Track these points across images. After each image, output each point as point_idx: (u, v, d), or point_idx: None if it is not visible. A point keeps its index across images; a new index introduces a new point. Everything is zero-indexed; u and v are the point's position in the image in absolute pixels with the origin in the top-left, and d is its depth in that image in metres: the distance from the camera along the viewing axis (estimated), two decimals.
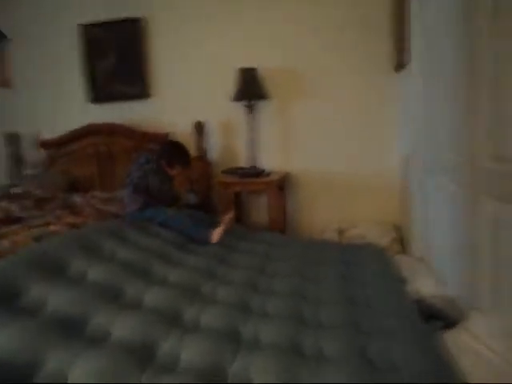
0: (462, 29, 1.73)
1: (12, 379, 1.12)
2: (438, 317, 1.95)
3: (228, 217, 2.51)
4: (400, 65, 2.76)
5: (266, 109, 3.30)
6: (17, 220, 2.31)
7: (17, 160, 3.70)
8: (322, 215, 3.31)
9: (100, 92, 3.63)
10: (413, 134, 2.58)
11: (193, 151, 3.34)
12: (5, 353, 1.17)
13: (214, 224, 2.46)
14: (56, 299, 1.44)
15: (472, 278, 1.70)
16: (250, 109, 3.12)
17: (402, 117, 2.93)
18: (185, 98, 3.45)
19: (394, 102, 3.07)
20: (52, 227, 2.11)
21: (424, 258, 2.45)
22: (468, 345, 1.46)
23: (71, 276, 1.64)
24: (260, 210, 3.40)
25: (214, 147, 3.47)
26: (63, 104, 3.72)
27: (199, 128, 3.31)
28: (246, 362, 1.26)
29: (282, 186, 3.23)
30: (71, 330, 1.33)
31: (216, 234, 2.31)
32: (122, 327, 1.37)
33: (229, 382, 1.20)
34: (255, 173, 3.07)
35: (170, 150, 2.59)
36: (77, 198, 2.88)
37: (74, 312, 1.40)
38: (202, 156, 3.35)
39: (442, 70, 2.04)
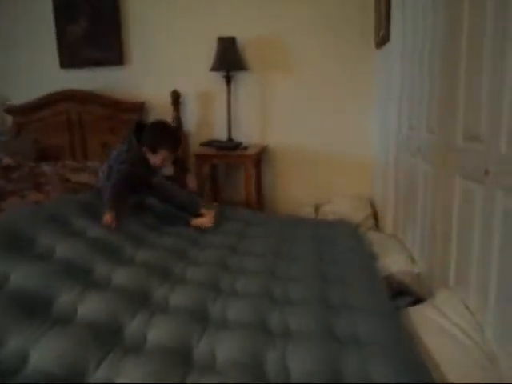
0: (442, 7, 1.70)
1: None
2: (407, 293, 2.00)
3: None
4: (381, 41, 2.72)
5: (244, 80, 3.23)
6: None
7: None
8: (298, 190, 3.30)
9: (72, 57, 3.46)
10: (390, 112, 2.57)
11: (169, 121, 3.26)
12: None
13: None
14: (20, 276, 1.39)
15: (440, 254, 1.73)
16: (229, 80, 3.04)
17: (381, 93, 2.91)
18: (162, 66, 3.34)
19: (374, 78, 3.04)
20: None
21: (396, 235, 2.49)
22: (433, 321, 1.49)
23: (37, 251, 1.58)
24: (236, 184, 3.37)
25: (191, 118, 3.38)
26: (35, 69, 3.54)
27: (176, 98, 3.21)
28: (212, 341, 1.25)
29: (259, 160, 3.20)
30: (35, 308, 1.28)
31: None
32: (89, 307, 1.33)
33: (195, 359, 1.19)
34: (232, 146, 3.02)
35: (153, 133, 2.15)
36: (46, 167, 2.77)
37: (38, 289, 1.35)
38: (179, 127, 3.27)
39: (421, 48, 2.01)
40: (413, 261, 2.09)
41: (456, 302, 1.51)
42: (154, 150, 2.12)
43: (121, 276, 1.56)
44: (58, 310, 1.31)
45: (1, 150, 3.02)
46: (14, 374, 1.05)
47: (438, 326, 1.46)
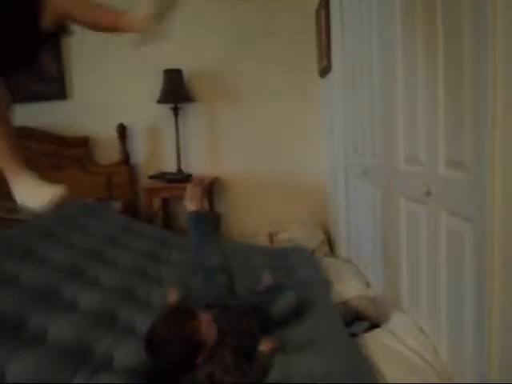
0: (379, 39, 1.77)
1: None
2: (363, 318, 1.99)
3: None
4: (323, 71, 2.81)
5: (192, 112, 3.21)
6: None
7: None
8: (251, 219, 3.27)
9: (11, 91, 3.31)
10: (336, 138, 2.62)
11: (116, 155, 3.17)
12: None
13: None
14: None
15: (393, 277, 1.73)
16: (176, 111, 3.02)
17: (327, 120, 2.98)
18: (107, 99, 3.25)
19: (320, 106, 3.12)
20: None
21: (350, 259, 2.50)
22: (388, 346, 1.47)
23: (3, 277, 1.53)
24: None
25: (139, 151, 3.31)
26: None
27: (122, 131, 3.14)
28: None
29: (211, 190, 3.15)
30: (9, 328, 1.29)
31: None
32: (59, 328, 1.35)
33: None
34: (182, 178, 2.96)
35: None
36: None
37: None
38: (126, 160, 3.18)
39: (361, 76, 2.08)
40: (368, 285, 2.09)
41: (410, 325, 1.50)
42: None
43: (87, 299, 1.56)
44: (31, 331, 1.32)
45: None
46: None
47: (393, 350, 1.44)
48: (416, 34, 1.38)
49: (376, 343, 1.51)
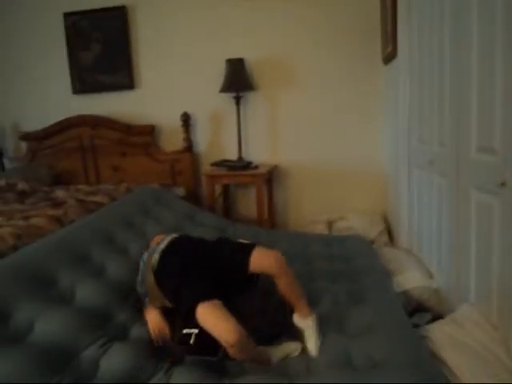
0: (452, 24, 1.71)
1: None
2: (425, 309, 1.96)
3: None
4: (388, 58, 2.74)
5: (253, 100, 3.26)
6: None
7: None
8: (310, 207, 3.29)
9: (84, 83, 3.54)
10: (400, 126, 2.57)
11: (180, 143, 3.31)
12: None
13: None
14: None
15: (459, 269, 1.70)
16: (238, 100, 3.08)
17: (390, 108, 2.92)
18: (171, 89, 3.39)
19: (382, 94, 3.06)
20: (34, 220, 2.06)
21: (411, 250, 2.45)
22: (454, 337, 1.45)
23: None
24: (248, 202, 3.37)
25: (202, 139, 3.42)
26: (48, 96, 3.62)
27: (186, 120, 3.26)
28: None
29: (270, 178, 3.20)
30: None
31: None
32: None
33: None
34: (243, 165, 3.03)
35: None
36: (59, 192, 2.81)
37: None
38: (189, 148, 3.31)
39: (429, 62, 2.02)
40: (430, 276, 2.05)
41: (478, 316, 1.47)
42: None
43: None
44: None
45: (16, 176, 3.08)
46: None
47: (460, 342, 1.42)
48: (495, 18, 1.32)
49: (440, 334, 1.49)
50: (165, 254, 1.53)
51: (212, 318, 1.26)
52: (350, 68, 3.11)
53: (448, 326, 1.51)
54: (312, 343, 1.42)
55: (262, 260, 1.46)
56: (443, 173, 1.85)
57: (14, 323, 1.28)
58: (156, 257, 1.52)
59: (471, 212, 1.55)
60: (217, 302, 1.30)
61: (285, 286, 1.46)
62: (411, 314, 1.89)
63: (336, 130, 3.20)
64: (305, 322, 1.46)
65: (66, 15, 3.44)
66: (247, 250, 1.49)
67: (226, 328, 1.23)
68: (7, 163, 3.66)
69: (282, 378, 1.29)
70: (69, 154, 3.48)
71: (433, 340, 1.49)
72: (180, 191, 3.11)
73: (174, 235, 1.66)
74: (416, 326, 1.68)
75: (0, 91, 3.69)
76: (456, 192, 1.69)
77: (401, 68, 2.48)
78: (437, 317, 1.81)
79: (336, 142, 3.21)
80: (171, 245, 1.58)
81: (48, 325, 1.31)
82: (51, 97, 3.60)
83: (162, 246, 1.57)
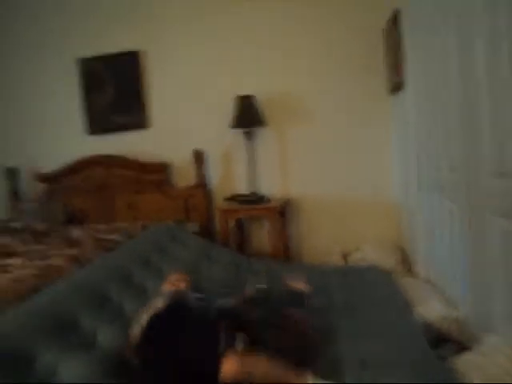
0: (456, 50, 1.76)
1: None
2: (448, 340, 1.91)
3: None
4: (396, 87, 2.80)
5: (264, 135, 3.33)
6: (17, 254, 2.28)
7: (15, 194, 3.69)
8: (324, 239, 3.28)
9: (98, 124, 3.64)
10: (409, 155, 2.59)
11: (192, 179, 3.36)
12: None
13: None
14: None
15: (480, 297, 1.67)
16: (249, 136, 3.14)
17: (398, 137, 2.95)
18: (183, 126, 3.48)
19: (389, 123, 3.11)
20: (52, 260, 2.08)
21: (430, 279, 2.42)
22: (483, 367, 1.41)
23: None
24: (262, 236, 3.38)
25: (214, 174, 3.47)
26: (61, 136, 3.73)
27: (198, 156, 3.33)
28: None
29: (283, 211, 3.22)
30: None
31: None
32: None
33: None
34: (256, 199, 3.06)
35: None
36: (75, 231, 2.85)
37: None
38: (202, 184, 3.35)
39: (437, 88, 2.07)
40: (450, 305, 2.02)
41: (505, 347, 1.43)
42: None
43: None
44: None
45: (32, 216, 3.13)
46: None
47: (489, 373, 1.39)
48: (501, 46, 1.36)
49: (468, 366, 1.45)
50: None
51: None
52: (356, 100, 3.18)
53: (477, 358, 1.47)
54: None
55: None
56: (455, 198, 1.86)
57: (38, 368, 1.27)
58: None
59: (486, 237, 1.54)
60: None
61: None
62: (434, 345, 1.85)
63: (345, 162, 3.23)
64: None
65: (81, 60, 3.59)
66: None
67: None
68: (23, 204, 3.72)
69: None
70: (84, 193, 3.55)
71: (460, 372, 1.45)
72: (194, 226, 3.13)
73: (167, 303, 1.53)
74: (442, 358, 1.64)
75: (16, 133, 3.81)
76: (469, 217, 1.69)
77: (409, 97, 2.53)
78: (460, 348, 1.76)
79: (346, 174, 3.24)
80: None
81: (71, 370, 1.30)
82: (66, 138, 3.71)
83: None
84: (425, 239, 2.48)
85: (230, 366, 1.23)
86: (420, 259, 2.58)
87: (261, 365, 1.23)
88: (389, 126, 3.12)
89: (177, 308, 1.52)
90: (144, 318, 1.49)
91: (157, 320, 1.46)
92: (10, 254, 2.32)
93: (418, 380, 1.35)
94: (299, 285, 2.00)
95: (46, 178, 3.64)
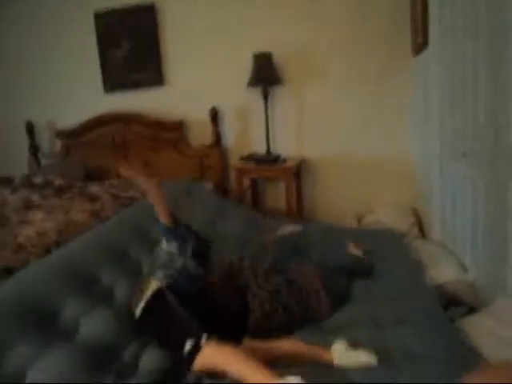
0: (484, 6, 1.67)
1: None
2: (459, 303, 1.94)
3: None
4: (418, 48, 2.69)
5: (281, 94, 3.26)
6: (38, 208, 2.35)
7: (35, 149, 3.74)
8: (339, 201, 3.28)
9: (114, 80, 3.61)
10: (431, 118, 2.52)
11: (208, 138, 3.35)
12: None
13: None
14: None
15: (496, 262, 1.67)
16: (265, 94, 3.09)
17: (420, 100, 2.87)
18: (200, 84, 3.42)
19: (411, 85, 3.01)
20: (73, 215, 2.14)
21: (444, 243, 2.42)
22: (492, 330, 1.44)
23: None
24: (277, 196, 3.38)
25: (230, 133, 3.45)
26: (80, 93, 3.72)
27: (214, 115, 3.30)
28: None
29: (298, 172, 3.21)
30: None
31: None
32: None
33: None
34: (271, 159, 3.05)
35: None
36: (94, 187, 2.90)
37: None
38: (218, 143, 3.34)
39: (463, 48, 1.98)
40: (464, 269, 2.03)
41: None
42: None
43: None
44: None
45: (52, 172, 3.19)
46: None
47: (498, 335, 1.41)
48: None
49: (477, 327, 1.48)
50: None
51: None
52: (377, 61, 3.06)
53: (485, 319, 1.50)
54: (361, 359, 1.30)
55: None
56: (478, 165, 1.82)
57: (62, 323, 1.34)
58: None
59: (509, 204, 1.52)
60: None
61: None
62: (445, 307, 1.88)
63: (364, 123, 3.17)
64: (336, 361, 1.32)
65: (97, 14, 3.51)
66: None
67: None
68: (43, 159, 3.79)
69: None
70: (101, 150, 3.58)
71: (469, 333, 1.48)
72: (208, 185, 3.15)
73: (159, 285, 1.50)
74: (451, 319, 1.67)
75: (34, 90, 3.81)
76: (492, 184, 1.66)
77: (432, 57, 2.43)
78: (471, 310, 1.79)
79: (364, 135, 3.18)
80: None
81: (93, 323, 1.38)
82: (84, 95, 3.70)
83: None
84: (442, 204, 2.46)
85: (203, 354, 1.24)
86: (435, 224, 2.57)
87: (235, 358, 1.21)
88: (410, 87, 3.02)
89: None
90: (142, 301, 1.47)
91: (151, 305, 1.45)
92: (32, 208, 2.39)
93: (427, 338, 1.38)
94: (357, 252, 2.04)
95: (64, 135, 3.68)
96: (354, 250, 2.06)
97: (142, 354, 1.38)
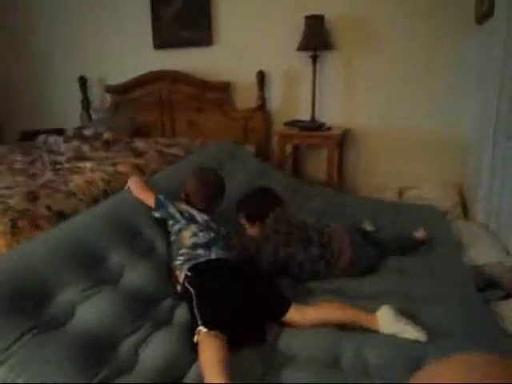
0: None
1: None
2: (497, 286, 1.90)
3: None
4: (482, 16, 2.51)
5: (331, 60, 3.17)
6: (88, 159, 2.46)
7: (87, 103, 3.87)
8: (381, 174, 3.21)
9: (165, 38, 3.62)
10: (489, 93, 2.39)
11: (253, 101, 3.33)
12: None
13: None
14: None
15: None
16: (315, 59, 3.01)
17: (478, 74, 2.71)
18: (249, 46, 3.37)
19: (469, 57, 2.83)
20: (119, 167, 2.23)
21: (488, 225, 2.35)
22: None
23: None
24: (317, 164, 3.35)
25: (275, 97, 3.41)
26: (129, 50, 3.77)
27: (261, 78, 3.26)
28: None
29: (342, 141, 3.15)
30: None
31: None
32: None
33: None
34: (315, 126, 3.01)
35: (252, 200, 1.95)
36: (140, 142, 2.99)
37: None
38: (263, 107, 3.33)
39: None
40: (506, 253, 1.97)
41: None
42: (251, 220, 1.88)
43: None
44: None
45: (102, 126, 3.31)
46: None
47: None
48: None
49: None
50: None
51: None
52: (437, 30, 2.88)
53: None
54: (410, 335, 1.26)
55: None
56: None
57: (109, 267, 1.43)
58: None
59: None
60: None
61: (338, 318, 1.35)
62: (482, 289, 1.84)
63: (414, 96, 3.04)
64: (382, 328, 1.29)
65: None
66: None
67: None
68: (93, 114, 3.92)
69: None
70: (148, 107, 3.65)
71: (503, 317, 1.45)
72: (250, 149, 3.16)
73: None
74: (486, 301, 1.64)
75: (85, 45, 3.90)
76: None
77: (496, 28, 2.28)
78: (509, 295, 1.75)
79: (414, 108, 3.06)
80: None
81: (136, 273, 1.46)
82: (135, 51, 3.74)
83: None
84: (490, 184, 2.36)
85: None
86: (481, 204, 2.48)
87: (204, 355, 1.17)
88: (469, 60, 2.85)
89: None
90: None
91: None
92: (82, 158, 2.51)
93: (458, 317, 1.37)
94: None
95: (114, 90, 3.77)
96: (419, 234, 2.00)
97: (176, 307, 1.44)
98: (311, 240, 1.71)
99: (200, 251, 1.53)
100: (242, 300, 1.37)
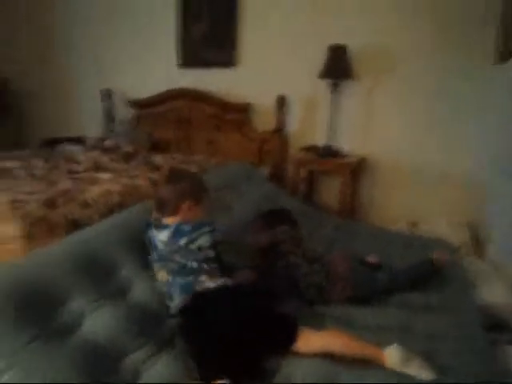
0: None
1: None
2: (506, 327, 1.87)
3: None
4: (505, 55, 2.53)
5: (350, 89, 3.22)
6: (106, 170, 2.52)
7: (109, 115, 3.98)
8: (394, 206, 3.21)
9: (190, 57, 3.70)
10: (501, 132, 2.39)
11: (271, 124, 3.38)
12: None
13: None
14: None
15: None
16: (335, 87, 3.06)
17: (492, 112, 2.71)
18: (270, 70, 3.44)
19: (486, 94, 2.85)
20: (137, 181, 2.28)
21: (499, 264, 2.32)
22: None
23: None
24: (331, 191, 3.37)
25: (292, 121, 3.45)
26: (154, 66, 3.89)
27: (281, 102, 3.32)
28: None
29: (357, 169, 3.17)
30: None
31: None
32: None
33: None
34: (331, 153, 3.04)
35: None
36: (157, 157, 3.05)
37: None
38: (280, 130, 3.37)
39: None
40: None
41: None
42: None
43: None
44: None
45: (122, 139, 3.39)
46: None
47: None
48: None
49: None
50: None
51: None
52: (457, 66, 2.91)
53: None
54: (415, 372, 1.25)
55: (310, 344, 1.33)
56: None
57: (118, 280, 1.45)
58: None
59: None
60: None
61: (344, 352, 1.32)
62: (489, 329, 1.81)
63: (430, 129, 3.05)
64: (391, 366, 1.28)
65: None
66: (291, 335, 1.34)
67: None
68: (115, 126, 4.02)
69: None
70: (168, 124, 3.73)
71: (511, 359, 1.43)
72: (264, 170, 3.19)
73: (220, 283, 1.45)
74: (494, 342, 1.62)
75: (110, 59, 4.04)
76: None
77: None
78: None
79: (429, 141, 3.07)
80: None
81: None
82: (158, 67, 3.86)
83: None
84: (501, 223, 2.35)
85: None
86: (493, 243, 2.46)
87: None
88: (484, 96, 2.86)
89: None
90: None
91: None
92: (101, 169, 2.57)
93: (462, 355, 1.35)
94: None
95: (136, 104, 3.87)
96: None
97: None
98: (315, 258, 1.84)
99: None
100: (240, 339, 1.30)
